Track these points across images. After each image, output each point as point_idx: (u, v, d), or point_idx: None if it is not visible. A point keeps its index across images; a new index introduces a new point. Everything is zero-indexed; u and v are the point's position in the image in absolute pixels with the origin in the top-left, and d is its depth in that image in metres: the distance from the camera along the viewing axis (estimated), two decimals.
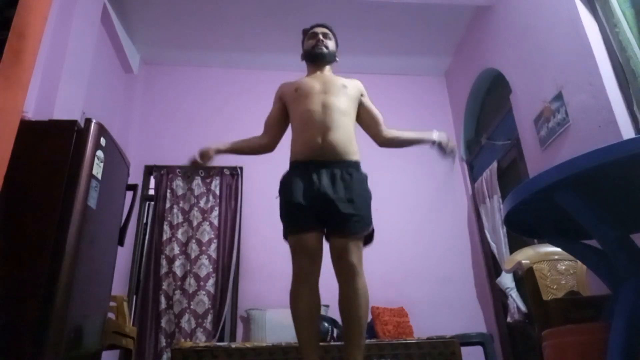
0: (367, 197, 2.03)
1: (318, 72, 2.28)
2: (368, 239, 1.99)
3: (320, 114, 2.05)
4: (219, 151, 2.15)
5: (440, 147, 2.17)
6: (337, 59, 2.36)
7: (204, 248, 4.01)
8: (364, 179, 2.06)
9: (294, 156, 2.10)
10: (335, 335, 3.14)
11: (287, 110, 2.23)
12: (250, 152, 2.25)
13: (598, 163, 1.17)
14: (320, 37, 2.30)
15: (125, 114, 4.41)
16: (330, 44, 2.32)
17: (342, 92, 2.16)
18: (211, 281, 3.91)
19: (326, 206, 1.91)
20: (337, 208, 1.89)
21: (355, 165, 2.06)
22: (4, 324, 1.78)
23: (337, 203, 1.90)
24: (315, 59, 2.28)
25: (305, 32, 2.39)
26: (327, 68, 2.31)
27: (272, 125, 2.25)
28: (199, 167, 2.17)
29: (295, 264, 1.92)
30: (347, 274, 1.88)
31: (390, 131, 2.25)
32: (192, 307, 3.79)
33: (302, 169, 2.02)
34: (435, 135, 2.18)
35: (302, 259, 1.90)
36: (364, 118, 2.25)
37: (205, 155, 2.10)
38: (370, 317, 3.24)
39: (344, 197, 1.92)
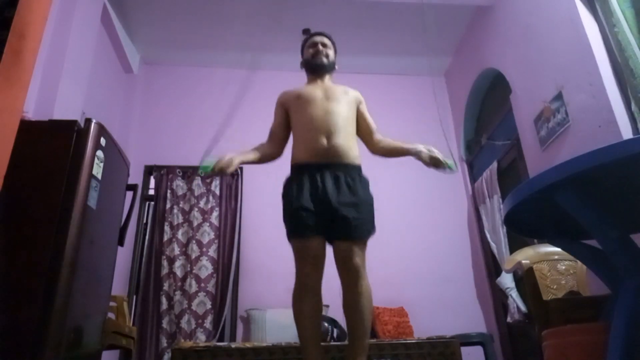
0: (370, 201, 2.04)
1: (318, 81, 2.29)
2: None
3: (324, 120, 2.07)
4: (243, 162, 2.11)
5: (421, 159, 2.05)
6: (336, 67, 2.37)
7: (204, 249, 4.01)
8: (366, 183, 2.07)
9: (297, 159, 2.10)
10: (335, 335, 3.14)
11: (289, 118, 2.24)
12: (260, 161, 2.21)
13: (598, 163, 1.17)
14: (320, 47, 2.31)
15: (125, 114, 4.40)
16: (330, 53, 2.33)
17: (343, 99, 2.18)
18: (212, 282, 3.91)
19: (330, 210, 1.92)
20: (342, 212, 1.91)
21: (358, 169, 2.08)
22: (4, 324, 1.78)
23: (341, 207, 1.91)
24: (315, 69, 2.30)
25: (306, 32, 2.40)
26: (327, 77, 2.32)
27: (277, 133, 2.26)
28: (221, 174, 2.13)
29: (299, 268, 1.93)
30: (352, 277, 1.89)
31: (381, 140, 2.26)
32: (192, 307, 3.79)
33: (305, 171, 2.02)
34: (418, 148, 2.08)
35: (305, 264, 1.90)
36: (360, 127, 2.27)
37: (232, 164, 2.03)
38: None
39: (348, 202, 1.93)
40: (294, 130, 2.21)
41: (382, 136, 2.28)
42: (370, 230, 1.97)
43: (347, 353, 1.94)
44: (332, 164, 2.01)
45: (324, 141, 2.03)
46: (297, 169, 2.08)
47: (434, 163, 2.03)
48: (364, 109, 2.31)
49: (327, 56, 2.30)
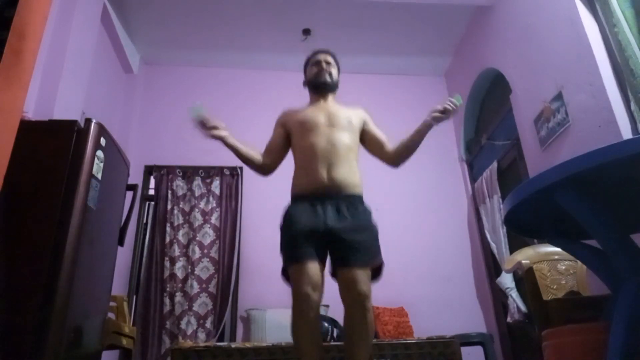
0: (373, 228, 1.98)
1: (322, 102, 2.22)
2: (376, 273, 1.93)
3: (325, 150, 2.01)
4: (227, 143, 2.06)
5: (439, 116, 2.01)
6: (338, 87, 2.30)
7: (205, 250, 4.01)
8: (369, 212, 2.02)
9: (298, 189, 2.05)
10: (335, 335, 3.14)
11: (289, 138, 2.19)
12: (248, 162, 2.15)
13: (598, 163, 1.17)
14: (324, 65, 2.25)
15: (125, 114, 4.40)
16: (334, 71, 2.27)
17: (347, 127, 2.12)
18: (213, 282, 3.91)
19: (332, 238, 1.87)
20: (344, 238, 1.85)
21: (360, 199, 2.03)
22: (4, 324, 1.78)
23: (344, 233, 1.86)
24: (319, 89, 2.23)
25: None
26: (331, 97, 2.26)
27: (273, 150, 2.19)
28: (204, 130, 2.08)
29: (297, 294, 1.80)
30: (357, 307, 1.79)
31: (394, 147, 2.17)
32: (194, 308, 3.79)
33: (306, 201, 1.97)
34: (427, 121, 2.05)
35: (305, 288, 1.77)
36: (370, 143, 2.21)
37: (216, 132, 2.01)
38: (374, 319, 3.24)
39: (350, 227, 1.88)
40: (295, 156, 2.16)
41: (392, 143, 2.19)
42: (373, 256, 1.89)
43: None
44: (333, 195, 1.95)
45: (325, 173, 1.97)
46: (298, 199, 2.02)
47: (445, 112, 2.00)
48: (371, 126, 2.24)
49: (330, 74, 2.24)
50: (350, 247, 1.84)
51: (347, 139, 2.08)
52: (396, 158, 2.17)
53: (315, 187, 1.97)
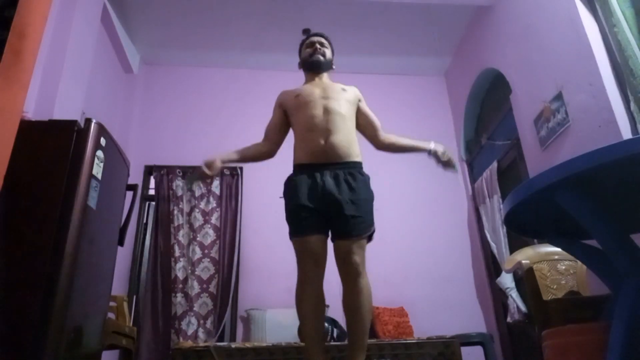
0: (370, 198, 2.06)
1: (316, 79, 2.31)
2: (369, 238, 2.02)
3: (322, 119, 2.09)
4: (224, 161, 2.15)
5: (437, 157, 2.23)
6: (334, 67, 2.39)
7: (206, 251, 4.02)
8: (366, 180, 2.09)
9: (298, 159, 2.13)
10: (335, 335, 3.14)
11: (287, 117, 2.27)
12: (252, 159, 2.27)
13: (598, 163, 1.17)
14: (317, 45, 2.33)
15: (125, 114, 4.40)
16: (327, 52, 2.36)
17: (341, 97, 2.20)
18: (213, 282, 3.92)
19: (331, 207, 1.95)
20: (342, 209, 1.93)
21: (358, 166, 2.10)
22: (5, 323, 1.78)
23: (342, 204, 1.93)
24: (313, 67, 2.32)
25: (306, 32, 2.42)
26: (325, 75, 2.34)
27: (272, 132, 2.28)
28: (206, 178, 2.16)
29: (300, 266, 1.95)
30: (351, 275, 1.91)
31: (388, 136, 2.30)
32: (195, 309, 3.80)
33: (305, 171, 2.04)
34: (432, 145, 2.24)
35: (307, 262, 1.92)
36: (362, 123, 2.29)
37: (211, 166, 2.09)
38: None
39: (348, 199, 1.95)
40: (294, 130, 2.22)
41: (387, 132, 2.31)
42: (368, 227, 1.98)
43: (347, 351, 1.95)
44: (331, 163, 2.03)
45: (322, 141, 2.04)
46: (298, 168, 2.10)
47: (446, 163, 2.20)
48: (364, 105, 2.33)
49: (324, 55, 2.33)
50: (347, 220, 1.93)
51: (342, 108, 2.16)
52: (384, 148, 2.31)
53: (314, 155, 2.05)
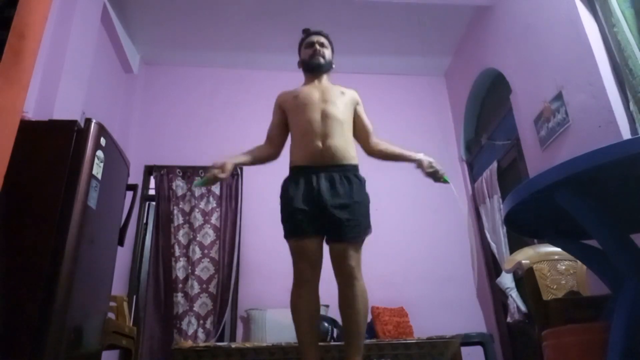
0: (365, 201, 2.05)
1: (316, 82, 2.29)
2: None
3: (320, 122, 2.09)
4: (236, 164, 2.15)
5: (422, 168, 2.18)
6: (334, 66, 2.38)
7: (206, 251, 4.01)
8: (362, 183, 2.08)
9: (294, 162, 2.13)
10: (335, 335, 3.14)
11: (286, 119, 2.26)
12: (260, 162, 2.26)
13: (598, 163, 1.17)
14: (317, 46, 2.31)
15: (125, 114, 4.40)
16: (327, 52, 2.34)
17: (340, 100, 2.19)
18: (213, 282, 3.92)
19: (325, 212, 1.95)
20: (335, 214, 1.93)
21: (354, 169, 2.10)
22: (4, 324, 1.78)
23: (335, 209, 1.93)
24: (312, 69, 2.30)
25: (306, 32, 2.40)
26: (325, 77, 2.32)
27: (274, 134, 2.28)
28: (219, 181, 2.14)
29: (296, 268, 1.95)
30: (346, 279, 1.91)
31: (379, 142, 2.29)
32: (195, 309, 3.80)
33: (302, 173, 2.05)
34: (419, 156, 2.20)
35: (302, 264, 1.93)
36: (357, 129, 2.29)
37: (224, 168, 2.07)
38: (370, 317, 3.25)
39: (342, 203, 1.95)
40: (292, 132, 2.22)
41: (379, 139, 2.30)
42: (364, 231, 1.98)
43: (344, 353, 1.96)
44: (327, 166, 2.03)
45: (320, 144, 2.04)
46: (295, 171, 2.10)
47: (433, 175, 2.16)
48: (361, 110, 2.32)
49: (324, 56, 2.31)
50: (341, 224, 1.92)
51: (340, 112, 2.15)
52: (374, 154, 2.30)
53: (310, 157, 2.05)
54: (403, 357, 2.41)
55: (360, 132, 2.29)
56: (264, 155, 2.25)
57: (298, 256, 1.95)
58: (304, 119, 2.13)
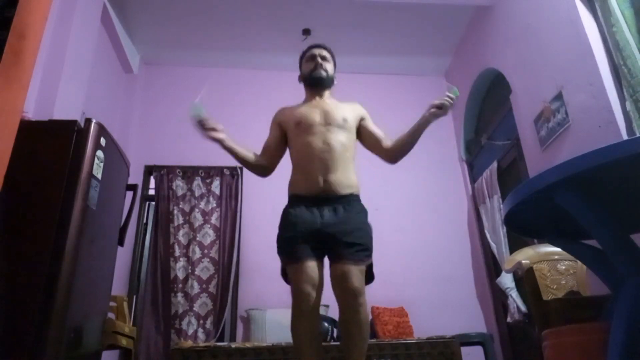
0: (368, 229, 1.98)
1: (317, 98, 2.20)
2: (369, 276, 1.94)
3: (322, 150, 2.00)
4: (225, 145, 2.06)
5: (438, 112, 1.97)
6: (335, 82, 2.28)
7: (205, 251, 4.02)
8: (364, 212, 2.02)
9: (295, 189, 2.05)
10: (335, 335, 3.14)
11: (285, 136, 2.18)
12: (247, 164, 2.15)
13: (598, 163, 1.17)
14: (319, 59, 2.21)
15: (125, 114, 4.40)
16: (329, 67, 2.23)
17: (343, 126, 2.09)
18: (213, 282, 3.92)
19: (328, 238, 1.88)
20: (339, 238, 1.86)
21: (356, 198, 2.03)
22: (4, 324, 1.78)
23: (339, 234, 1.87)
24: (314, 83, 2.21)
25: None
26: (327, 94, 2.23)
27: (270, 150, 2.19)
28: (201, 129, 2.08)
29: (297, 293, 1.82)
30: (351, 299, 1.80)
31: (392, 142, 2.14)
32: (195, 309, 3.80)
33: (303, 202, 1.98)
34: (427, 114, 2.00)
35: (304, 286, 1.80)
36: (367, 140, 2.19)
37: (213, 131, 2.01)
38: (370, 317, 3.24)
39: (345, 230, 1.88)
40: (292, 156, 2.15)
41: (390, 139, 2.16)
42: (367, 255, 1.91)
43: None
44: (329, 198, 1.96)
45: (321, 178, 1.96)
46: (295, 200, 2.03)
47: (442, 107, 1.96)
48: (368, 123, 2.21)
49: (326, 70, 2.21)
50: (344, 244, 1.85)
51: (343, 138, 2.06)
52: (394, 154, 2.14)
53: (311, 191, 1.98)
54: (403, 357, 2.41)
55: (373, 144, 2.18)
56: (259, 164, 2.16)
57: (299, 279, 1.82)
58: (305, 143, 2.04)
